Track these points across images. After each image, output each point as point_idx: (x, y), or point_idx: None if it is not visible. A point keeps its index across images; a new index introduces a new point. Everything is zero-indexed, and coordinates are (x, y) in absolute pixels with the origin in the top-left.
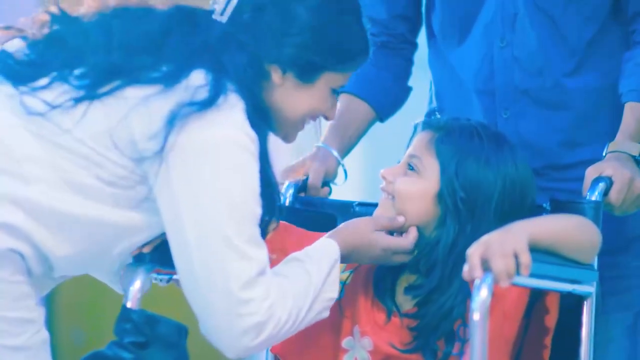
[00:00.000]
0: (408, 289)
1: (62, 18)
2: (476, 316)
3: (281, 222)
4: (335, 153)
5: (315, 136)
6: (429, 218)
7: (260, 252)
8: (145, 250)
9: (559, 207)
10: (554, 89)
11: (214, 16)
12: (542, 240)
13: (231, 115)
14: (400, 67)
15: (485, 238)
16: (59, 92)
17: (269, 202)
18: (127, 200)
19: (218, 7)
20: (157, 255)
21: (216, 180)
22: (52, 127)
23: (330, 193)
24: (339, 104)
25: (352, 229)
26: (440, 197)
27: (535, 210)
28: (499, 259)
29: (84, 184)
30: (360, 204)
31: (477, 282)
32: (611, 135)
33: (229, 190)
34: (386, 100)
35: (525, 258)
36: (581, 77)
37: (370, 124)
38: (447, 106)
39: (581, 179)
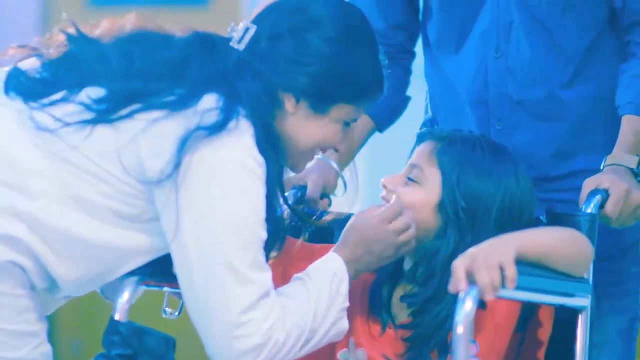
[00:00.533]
0: (404, 297)
1: (78, 39)
2: (459, 329)
3: None
4: (334, 164)
5: None
6: (429, 228)
7: (263, 276)
8: None
9: (555, 219)
10: (547, 101)
11: (231, 43)
12: (530, 253)
13: (240, 139)
14: (398, 76)
15: (471, 251)
16: (69, 111)
17: (273, 228)
18: (131, 220)
19: (236, 35)
20: (147, 266)
21: (222, 203)
22: (60, 142)
23: (330, 205)
24: None
25: (347, 230)
26: (441, 207)
27: (534, 223)
28: (484, 272)
29: (89, 200)
30: None
31: (461, 294)
32: (604, 145)
33: (234, 213)
34: (385, 110)
35: (511, 271)
36: (576, 88)
37: (369, 134)
38: (441, 116)
39: (574, 188)
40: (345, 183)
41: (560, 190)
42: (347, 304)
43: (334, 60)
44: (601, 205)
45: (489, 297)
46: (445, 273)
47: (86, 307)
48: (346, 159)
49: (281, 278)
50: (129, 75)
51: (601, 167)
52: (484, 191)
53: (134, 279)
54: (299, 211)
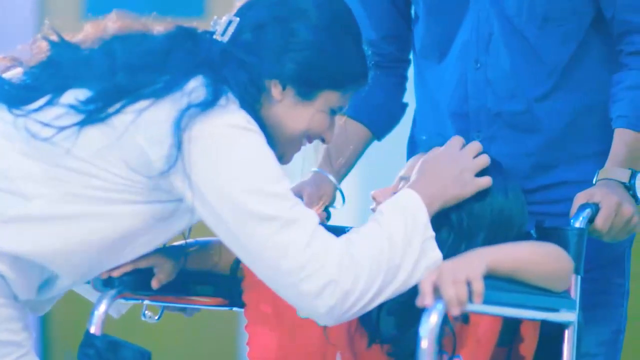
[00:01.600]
0: (391, 311)
1: (60, 44)
2: (424, 343)
3: None
4: (331, 177)
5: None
6: None
7: (304, 212)
8: (115, 274)
9: (543, 233)
10: (527, 112)
11: (214, 36)
12: (502, 268)
13: (233, 111)
14: (393, 84)
15: (439, 265)
16: (55, 115)
17: None
18: (135, 202)
19: (219, 29)
20: (127, 279)
21: (234, 165)
22: (50, 148)
23: (329, 218)
24: None
25: (418, 167)
26: None
27: (524, 237)
28: (450, 286)
29: (88, 194)
30: None
31: (427, 310)
32: (585, 156)
33: (250, 170)
34: (380, 119)
35: (478, 285)
36: (556, 99)
37: (367, 144)
38: (423, 126)
39: (554, 201)
40: (343, 195)
41: (540, 202)
42: (431, 232)
43: (319, 46)
44: (592, 220)
45: (455, 312)
46: None
47: (80, 318)
48: (344, 170)
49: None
50: (113, 72)
51: (593, 182)
52: (474, 203)
53: (111, 291)
54: None
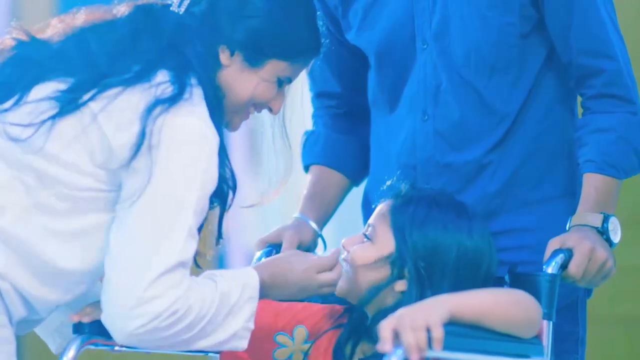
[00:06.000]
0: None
1: (29, 42)
2: None
3: None
4: (312, 223)
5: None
6: (383, 284)
7: (194, 245)
8: (85, 320)
9: (516, 279)
10: (476, 163)
11: (171, 9)
12: (464, 315)
13: (197, 108)
14: (366, 132)
15: (399, 311)
16: (28, 111)
17: (225, 184)
18: (99, 210)
19: (175, 1)
20: (97, 325)
21: (186, 169)
22: (23, 147)
23: None
24: (310, 175)
25: (277, 259)
26: (392, 264)
27: (495, 282)
28: (409, 333)
29: (51, 206)
30: None
31: (387, 356)
32: (529, 204)
33: (200, 181)
34: (355, 165)
35: (437, 332)
36: (507, 146)
37: (346, 190)
38: (376, 177)
39: (504, 249)
40: (324, 241)
41: None
42: (251, 325)
43: (270, 14)
44: (565, 266)
45: (414, 358)
46: None
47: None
48: (326, 215)
49: None
50: (93, 61)
51: (567, 228)
52: (439, 247)
53: (81, 337)
54: None
